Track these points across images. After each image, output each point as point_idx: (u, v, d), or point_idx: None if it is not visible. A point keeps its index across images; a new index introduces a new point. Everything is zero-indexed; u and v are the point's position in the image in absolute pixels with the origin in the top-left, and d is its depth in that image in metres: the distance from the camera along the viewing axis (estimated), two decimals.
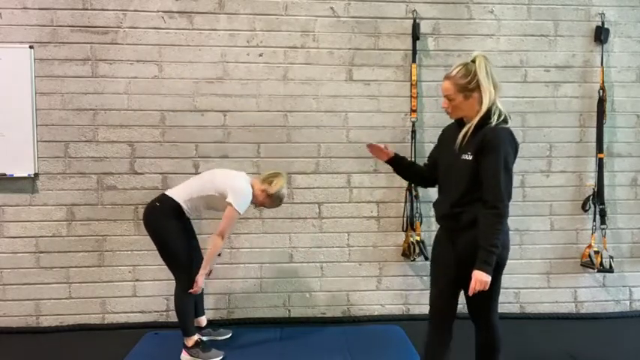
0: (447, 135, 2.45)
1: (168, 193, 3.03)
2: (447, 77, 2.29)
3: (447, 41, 3.75)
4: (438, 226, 2.52)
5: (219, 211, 3.02)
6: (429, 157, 2.64)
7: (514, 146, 2.24)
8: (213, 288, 3.62)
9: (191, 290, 2.98)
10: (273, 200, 3.10)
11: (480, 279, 2.16)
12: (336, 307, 3.78)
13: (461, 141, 2.26)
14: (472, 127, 2.24)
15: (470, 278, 2.20)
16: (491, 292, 2.26)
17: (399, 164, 2.61)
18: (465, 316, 2.48)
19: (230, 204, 2.91)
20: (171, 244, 2.98)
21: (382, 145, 2.55)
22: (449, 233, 2.38)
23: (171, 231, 2.97)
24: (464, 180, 2.24)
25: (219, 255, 3.15)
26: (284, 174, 3.15)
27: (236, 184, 2.99)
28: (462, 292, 2.38)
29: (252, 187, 3.04)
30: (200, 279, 2.99)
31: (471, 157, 2.22)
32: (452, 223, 2.33)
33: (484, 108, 2.23)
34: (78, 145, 3.58)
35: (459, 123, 2.37)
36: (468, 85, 2.24)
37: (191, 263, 3.06)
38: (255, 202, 3.10)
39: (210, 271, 3.09)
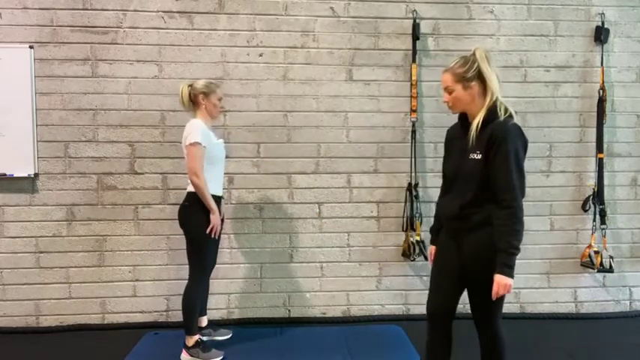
0: (452, 136, 2.39)
1: (189, 189, 3.02)
2: (446, 70, 2.25)
3: (447, 41, 3.75)
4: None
5: (216, 164, 3.05)
6: (443, 173, 2.48)
7: (524, 142, 2.17)
8: (214, 288, 3.62)
9: (211, 230, 2.95)
10: (211, 91, 3.04)
11: (503, 283, 2.08)
12: (336, 307, 3.78)
13: (470, 139, 2.17)
14: (480, 122, 2.15)
15: (480, 279, 2.16)
16: (500, 298, 2.19)
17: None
18: (464, 316, 2.48)
19: (188, 143, 2.91)
20: (202, 243, 2.98)
21: (432, 255, 2.50)
22: (455, 235, 2.30)
23: (204, 228, 2.95)
24: (474, 181, 2.16)
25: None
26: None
27: (187, 129, 2.96)
28: (465, 295, 2.32)
29: (199, 118, 3.03)
30: (213, 218, 2.95)
31: (479, 157, 2.14)
32: (460, 225, 2.25)
33: (489, 100, 2.16)
34: (78, 145, 3.58)
35: (463, 123, 2.30)
36: (465, 74, 2.17)
37: (212, 267, 3.13)
38: (212, 115, 3.08)
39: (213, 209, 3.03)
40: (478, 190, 2.16)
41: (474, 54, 2.20)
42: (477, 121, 2.16)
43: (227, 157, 3.31)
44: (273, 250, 3.73)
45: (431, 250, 2.53)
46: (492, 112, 2.16)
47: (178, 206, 3.08)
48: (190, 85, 3.06)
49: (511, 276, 2.08)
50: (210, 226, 2.96)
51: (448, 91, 2.23)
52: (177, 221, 3.06)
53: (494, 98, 2.16)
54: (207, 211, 2.95)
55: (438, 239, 2.46)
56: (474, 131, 2.15)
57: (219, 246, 3.28)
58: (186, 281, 3.06)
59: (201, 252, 3.02)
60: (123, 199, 3.61)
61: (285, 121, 3.69)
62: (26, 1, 3.49)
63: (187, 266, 3.06)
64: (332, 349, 3.19)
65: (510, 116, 2.17)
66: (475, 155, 2.16)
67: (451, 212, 2.27)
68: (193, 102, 3.06)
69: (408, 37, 3.71)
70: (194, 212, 2.97)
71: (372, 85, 3.73)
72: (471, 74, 2.17)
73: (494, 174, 2.11)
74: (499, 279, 2.08)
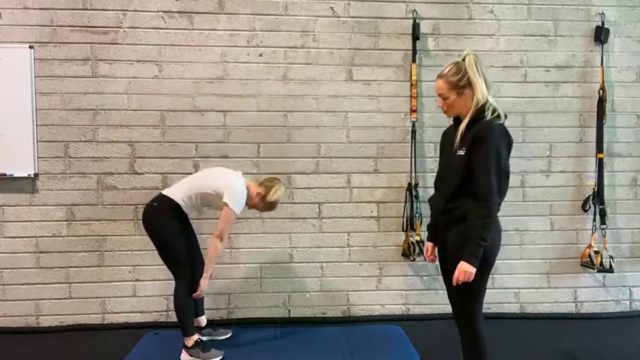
0: (446, 137, 2.49)
1: (165, 192, 3.03)
2: (439, 76, 2.34)
3: (447, 41, 3.75)
4: None
5: (216, 210, 3.04)
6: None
7: (507, 141, 2.24)
8: (213, 288, 3.62)
9: (195, 294, 3.00)
10: (267, 205, 3.14)
11: (464, 269, 2.16)
12: (336, 307, 3.78)
13: (458, 138, 2.27)
14: (466, 122, 2.26)
15: (454, 271, 2.20)
16: (476, 292, 2.27)
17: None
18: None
19: (226, 204, 2.92)
20: (170, 243, 2.98)
21: (428, 251, 2.59)
22: (444, 228, 2.39)
23: (170, 231, 2.96)
24: (457, 175, 2.25)
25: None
26: (281, 181, 3.18)
27: (232, 185, 2.99)
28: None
29: (248, 189, 3.05)
30: (204, 282, 3.00)
31: (463, 153, 2.24)
32: (445, 218, 2.35)
33: (476, 103, 2.25)
34: (78, 145, 3.58)
35: (457, 124, 2.38)
36: (459, 82, 2.27)
37: (191, 262, 3.06)
38: (249, 204, 3.12)
39: (211, 274, 3.09)
40: (460, 184, 2.24)
41: (464, 60, 2.30)
42: (465, 121, 2.27)
43: None
44: (273, 250, 3.73)
45: (427, 246, 2.61)
46: (479, 112, 2.25)
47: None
48: (276, 186, 3.11)
49: (475, 265, 2.16)
50: (199, 290, 2.99)
51: (443, 97, 2.33)
52: (142, 221, 3.03)
53: (481, 102, 2.25)
54: (175, 217, 2.96)
55: (438, 238, 2.51)
56: (461, 130, 2.26)
57: None
58: None
59: (173, 254, 2.98)
60: (123, 199, 3.61)
61: (285, 121, 3.69)
62: (26, 1, 3.49)
63: None
64: (332, 349, 3.19)
65: (498, 117, 2.25)
66: (460, 152, 2.25)
67: (438, 206, 2.39)
68: (261, 183, 3.10)
69: (408, 37, 3.71)
70: (160, 215, 2.96)
71: (372, 85, 3.73)
72: (464, 82, 2.28)
73: (475, 169, 2.19)
74: (462, 265, 2.17)
